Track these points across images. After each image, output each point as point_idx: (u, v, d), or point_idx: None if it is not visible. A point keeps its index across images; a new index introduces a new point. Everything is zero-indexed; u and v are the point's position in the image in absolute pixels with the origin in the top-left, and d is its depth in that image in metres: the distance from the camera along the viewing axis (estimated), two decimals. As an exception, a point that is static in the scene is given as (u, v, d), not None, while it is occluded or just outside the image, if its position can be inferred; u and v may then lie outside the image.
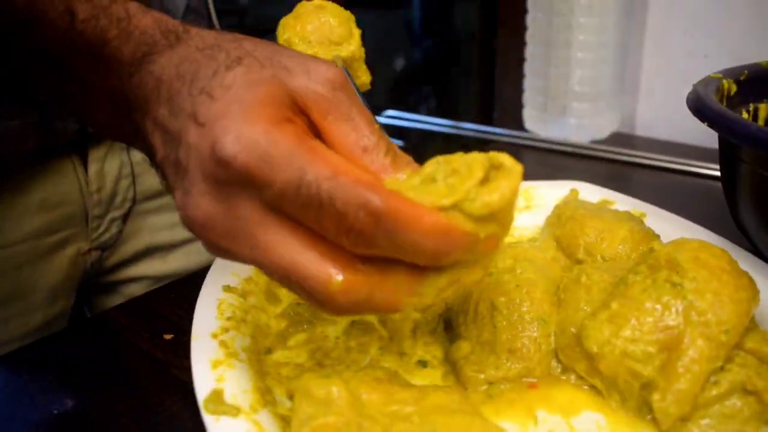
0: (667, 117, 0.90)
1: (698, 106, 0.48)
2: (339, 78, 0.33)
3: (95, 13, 0.36)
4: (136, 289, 0.74)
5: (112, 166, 0.66)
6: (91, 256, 0.68)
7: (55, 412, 0.40)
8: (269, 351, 0.43)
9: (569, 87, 0.84)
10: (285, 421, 0.35)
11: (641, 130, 0.93)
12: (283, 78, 0.33)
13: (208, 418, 0.33)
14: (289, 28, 0.51)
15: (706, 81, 0.54)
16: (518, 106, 0.94)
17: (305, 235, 0.30)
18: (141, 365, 0.44)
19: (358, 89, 0.42)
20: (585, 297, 0.42)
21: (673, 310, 0.36)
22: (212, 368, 0.37)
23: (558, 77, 0.85)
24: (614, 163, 0.81)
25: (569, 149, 0.85)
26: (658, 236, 0.52)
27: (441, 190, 0.29)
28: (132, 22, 0.36)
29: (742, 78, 0.57)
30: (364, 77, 0.54)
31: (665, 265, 0.38)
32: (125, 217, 0.69)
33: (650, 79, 0.91)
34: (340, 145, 0.32)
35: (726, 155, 0.50)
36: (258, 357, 0.41)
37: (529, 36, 0.89)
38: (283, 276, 0.30)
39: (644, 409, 0.37)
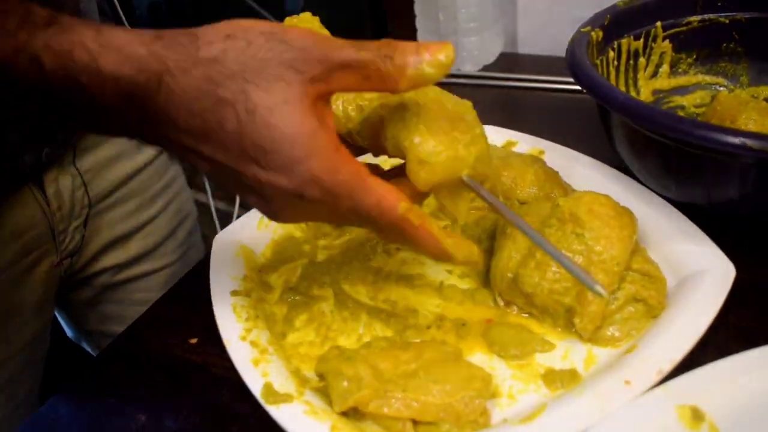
0: (544, 32, 1.02)
1: (575, 72, 0.61)
2: (316, 45, 0.40)
3: (61, 60, 0.38)
4: (104, 279, 0.83)
5: (65, 182, 0.72)
6: (63, 265, 0.76)
7: (133, 427, 0.50)
8: (283, 336, 0.55)
9: (458, 25, 0.94)
10: (322, 393, 0.48)
11: (523, 48, 1.05)
12: (289, 95, 0.39)
13: (271, 409, 0.45)
14: None
15: (579, 38, 0.66)
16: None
17: None
18: (185, 371, 0.54)
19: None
20: (513, 246, 0.56)
21: (579, 254, 0.50)
22: (255, 366, 0.49)
23: (447, 18, 0.95)
24: (505, 89, 0.94)
25: (465, 81, 0.97)
26: (557, 172, 0.66)
27: None
28: (99, 62, 0.38)
29: (605, 23, 0.70)
30: None
31: (569, 219, 0.52)
32: (85, 223, 0.77)
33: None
34: (346, 87, 0.41)
35: (600, 106, 0.63)
36: (279, 344, 0.53)
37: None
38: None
39: (569, 325, 0.52)
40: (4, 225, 0.67)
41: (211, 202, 1.10)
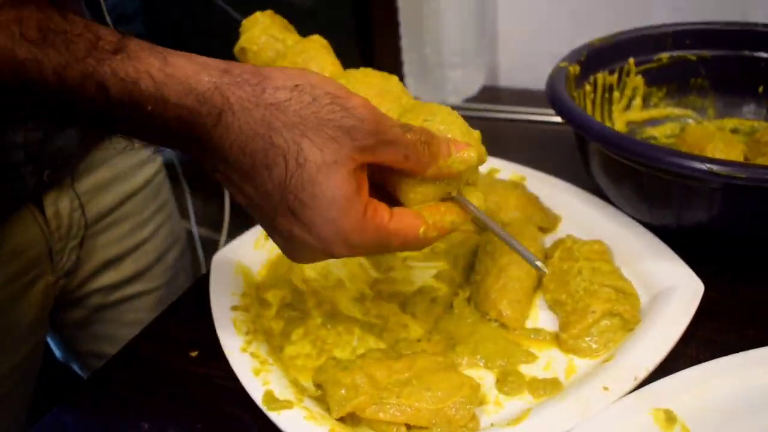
0: (523, 67, 1.07)
1: (554, 103, 0.65)
2: (372, 119, 0.42)
3: (127, 88, 0.39)
4: (97, 300, 0.84)
5: (64, 204, 0.74)
6: (59, 285, 0.77)
7: (138, 432, 0.52)
8: (281, 349, 0.57)
9: (443, 59, 0.99)
10: (319, 401, 0.50)
11: (504, 81, 1.10)
12: (339, 157, 0.41)
13: (273, 415, 0.48)
14: None
15: (557, 72, 0.71)
16: (400, 76, 1.07)
17: None
18: (186, 382, 0.56)
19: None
20: (491, 262, 0.60)
21: (581, 285, 0.56)
22: (255, 375, 0.51)
23: (432, 52, 0.99)
24: (487, 120, 0.98)
25: (450, 112, 1.00)
26: (537, 197, 0.70)
27: None
28: (164, 91, 0.39)
29: (582, 59, 0.74)
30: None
31: (572, 258, 0.58)
32: (81, 243, 0.78)
33: (506, 33, 1.07)
34: (387, 161, 0.44)
35: (578, 135, 0.67)
36: (277, 356, 0.56)
37: (402, 16, 1.02)
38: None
39: (552, 338, 0.56)
40: (3, 244, 0.68)
41: (195, 229, 1.12)
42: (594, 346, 0.54)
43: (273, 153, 0.41)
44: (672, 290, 0.56)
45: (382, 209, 0.44)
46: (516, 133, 0.94)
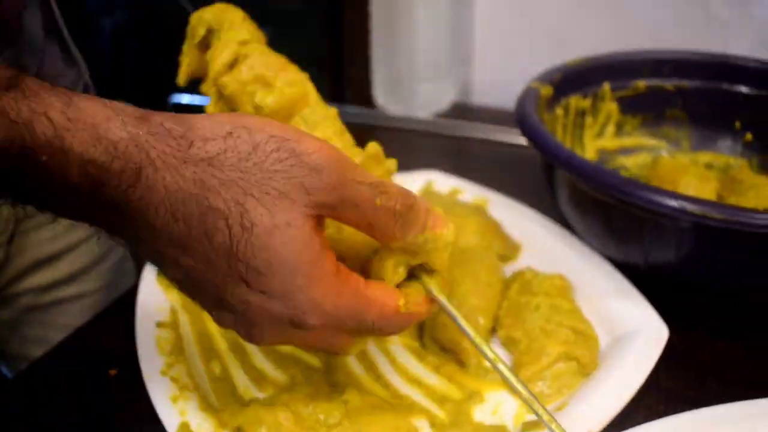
0: (498, 85, 1.03)
1: (522, 125, 0.61)
2: (333, 169, 0.35)
3: (18, 132, 0.32)
4: (27, 300, 0.78)
5: None
6: None
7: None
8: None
9: (414, 71, 0.95)
10: (242, 434, 0.45)
11: (477, 98, 1.06)
12: (292, 217, 0.35)
13: (185, 450, 0.43)
14: None
15: (528, 92, 0.67)
16: (368, 86, 1.03)
17: None
18: (100, 402, 0.51)
19: None
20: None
21: (538, 324, 0.52)
22: (173, 403, 0.46)
23: (403, 63, 0.95)
24: (456, 138, 0.94)
25: (416, 126, 0.96)
26: (498, 224, 0.65)
27: None
28: (65, 138, 0.32)
29: (556, 80, 0.71)
30: None
31: (530, 291, 0.55)
32: (10, 239, 0.73)
33: (482, 49, 1.04)
34: (346, 221, 0.38)
35: (545, 161, 0.63)
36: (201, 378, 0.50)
37: (374, 25, 0.98)
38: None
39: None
40: None
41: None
42: (547, 390, 0.50)
43: (212, 217, 0.34)
44: (634, 334, 0.52)
45: (354, 273, 0.38)
46: (485, 153, 0.90)
